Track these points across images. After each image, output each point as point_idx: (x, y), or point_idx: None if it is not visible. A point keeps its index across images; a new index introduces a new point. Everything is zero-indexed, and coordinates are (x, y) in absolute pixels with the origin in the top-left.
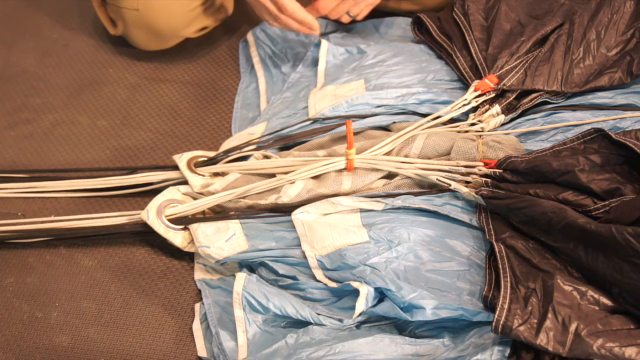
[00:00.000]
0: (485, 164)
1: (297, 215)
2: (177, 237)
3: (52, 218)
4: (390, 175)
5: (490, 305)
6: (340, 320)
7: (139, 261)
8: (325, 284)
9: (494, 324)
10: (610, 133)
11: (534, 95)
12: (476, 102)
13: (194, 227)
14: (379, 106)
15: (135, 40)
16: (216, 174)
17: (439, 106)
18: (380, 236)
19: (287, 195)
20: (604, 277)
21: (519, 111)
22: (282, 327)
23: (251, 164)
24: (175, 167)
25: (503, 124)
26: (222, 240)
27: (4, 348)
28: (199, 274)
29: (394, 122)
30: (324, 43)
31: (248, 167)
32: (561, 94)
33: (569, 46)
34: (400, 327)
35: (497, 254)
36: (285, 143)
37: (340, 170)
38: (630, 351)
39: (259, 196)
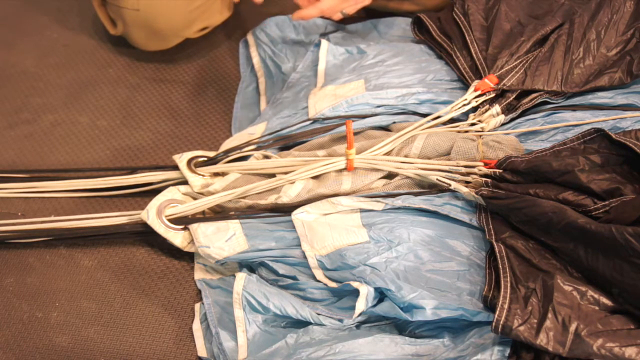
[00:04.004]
0: (485, 164)
1: (297, 215)
2: (177, 237)
3: (52, 218)
4: (390, 175)
5: (490, 305)
6: (340, 320)
7: (139, 261)
8: (325, 284)
9: (494, 324)
10: (610, 133)
11: (534, 95)
12: (476, 102)
13: (194, 227)
14: (379, 106)
15: (135, 40)
16: (216, 174)
17: (439, 106)
18: (380, 236)
19: (287, 195)
20: (604, 277)
21: (519, 111)
22: (282, 327)
23: (251, 164)
24: (175, 167)
25: (503, 124)
26: (222, 240)
27: (4, 348)
28: (199, 274)
29: (394, 122)
30: (324, 43)
31: (248, 167)
32: (561, 94)
33: (569, 46)
34: (400, 327)
35: (497, 254)
36: (285, 143)
37: (340, 170)
38: (630, 351)
39: (259, 196)
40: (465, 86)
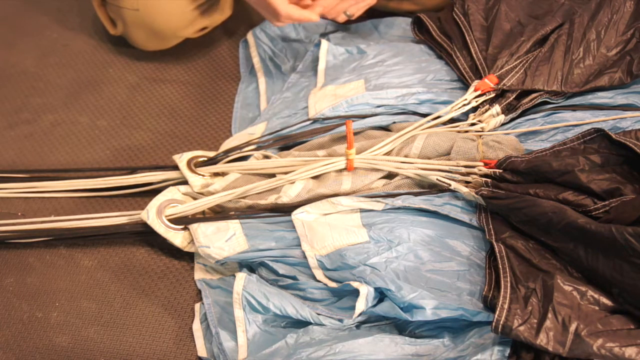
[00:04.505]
0: (485, 164)
1: (297, 215)
2: (177, 237)
3: (52, 218)
4: (390, 175)
5: (490, 305)
6: (340, 320)
7: (139, 261)
8: (325, 284)
9: (494, 324)
10: (610, 133)
11: (534, 95)
12: (476, 102)
13: (194, 227)
14: (379, 106)
15: (135, 40)
16: (216, 174)
17: (439, 106)
18: (380, 236)
19: (287, 195)
20: (604, 277)
21: (519, 111)
22: (282, 327)
23: (251, 164)
24: (175, 167)
25: (503, 124)
26: (222, 240)
27: (4, 348)
28: (199, 274)
29: (394, 122)
30: (324, 43)
31: (248, 167)
32: (561, 94)
33: (569, 46)
34: (400, 327)
35: (497, 254)
36: (285, 143)
37: (340, 170)
38: (630, 351)
39: (259, 196)
40: (465, 86)
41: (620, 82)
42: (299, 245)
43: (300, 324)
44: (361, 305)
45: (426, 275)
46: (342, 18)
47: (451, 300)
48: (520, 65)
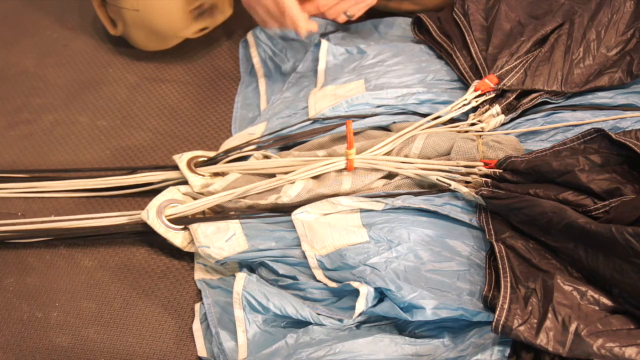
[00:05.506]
0: (485, 164)
1: (297, 215)
2: (177, 237)
3: (52, 218)
4: (390, 175)
5: (490, 305)
6: (340, 320)
7: (139, 261)
8: (325, 284)
9: (494, 324)
10: (610, 133)
11: (534, 95)
12: (476, 102)
13: (194, 227)
14: (379, 106)
15: (135, 41)
16: (216, 174)
17: (439, 106)
18: (380, 236)
19: (287, 195)
20: (604, 277)
21: (519, 111)
22: (282, 327)
23: (251, 164)
24: (175, 167)
25: (503, 124)
26: (222, 240)
27: (4, 348)
28: (199, 274)
29: (394, 122)
30: (324, 43)
31: (248, 167)
32: (561, 94)
33: (569, 46)
34: (400, 327)
35: (497, 254)
36: (285, 143)
37: (340, 170)
38: (630, 351)
39: (259, 196)
40: (465, 86)
41: (620, 82)
42: (299, 245)
43: (300, 324)
44: (361, 305)
45: (426, 275)
46: (342, 18)
47: (451, 300)
48: (520, 65)
